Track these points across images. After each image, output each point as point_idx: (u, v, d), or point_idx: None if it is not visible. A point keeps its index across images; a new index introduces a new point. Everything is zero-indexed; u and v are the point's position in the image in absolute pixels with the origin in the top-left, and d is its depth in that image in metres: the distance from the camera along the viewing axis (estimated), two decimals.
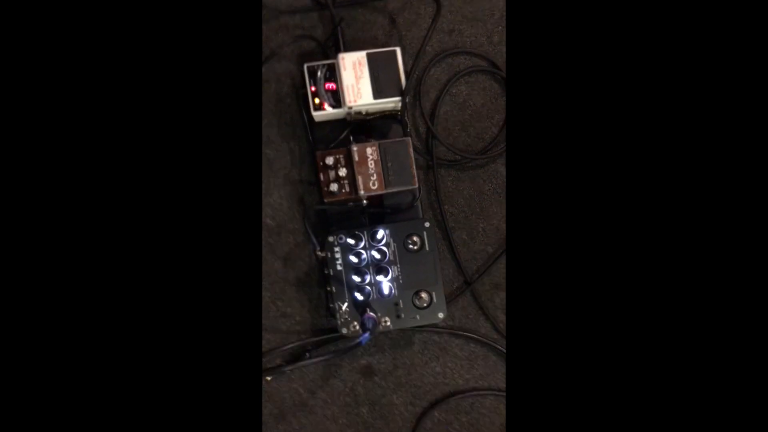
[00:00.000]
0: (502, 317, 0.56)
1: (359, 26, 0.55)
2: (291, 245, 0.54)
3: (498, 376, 0.55)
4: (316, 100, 0.48)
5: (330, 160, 0.47)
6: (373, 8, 0.55)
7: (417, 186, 0.49)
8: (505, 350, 0.55)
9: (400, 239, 0.49)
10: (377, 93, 0.47)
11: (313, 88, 0.48)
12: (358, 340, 0.41)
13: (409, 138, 0.49)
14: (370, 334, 0.42)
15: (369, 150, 0.47)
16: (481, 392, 0.55)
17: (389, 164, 0.47)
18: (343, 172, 0.47)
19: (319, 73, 0.48)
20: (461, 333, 0.55)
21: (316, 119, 0.49)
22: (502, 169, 0.56)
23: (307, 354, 0.53)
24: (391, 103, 0.49)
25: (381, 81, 0.47)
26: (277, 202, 0.54)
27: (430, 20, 0.55)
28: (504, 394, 0.55)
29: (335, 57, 0.49)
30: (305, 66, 0.48)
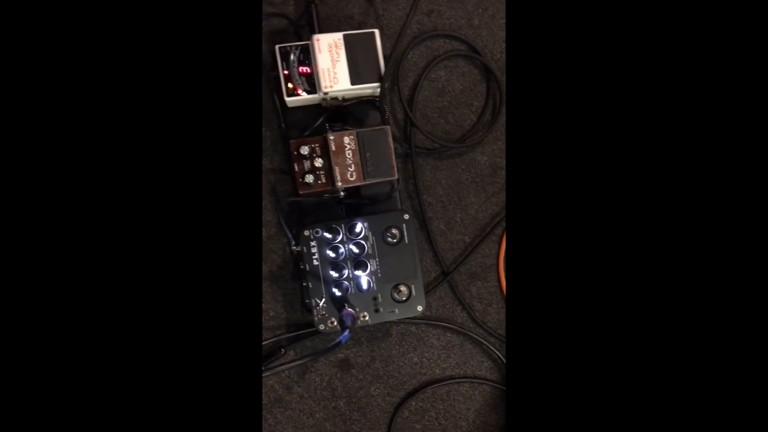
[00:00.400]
0: (478, 306, 0.56)
1: (334, 3, 0.51)
2: (263, 238, 0.51)
3: (473, 364, 0.56)
4: (290, 85, 0.45)
5: (305, 150, 0.44)
6: None
7: (396, 177, 0.47)
8: (480, 339, 0.55)
9: (378, 232, 0.47)
10: (355, 78, 0.44)
11: (285, 72, 0.44)
12: (338, 340, 0.40)
13: (389, 127, 0.46)
14: (350, 332, 0.41)
15: (347, 139, 0.45)
16: (457, 380, 0.55)
17: (368, 154, 0.45)
18: (319, 162, 0.44)
19: (292, 56, 0.44)
20: (438, 323, 0.55)
21: (289, 105, 0.46)
22: (481, 158, 0.55)
23: (283, 350, 0.51)
24: (369, 88, 0.46)
25: (359, 65, 0.44)
26: None
27: (410, 0, 0.52)
28: (479, 380, 0.56)
29: (309, 38, 0.46)
30: (276, 47, 0.45)
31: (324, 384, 0.53)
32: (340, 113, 0.48)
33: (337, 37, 0.44)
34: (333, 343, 0.40)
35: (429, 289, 0.54)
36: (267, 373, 0.47)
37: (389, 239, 0.47)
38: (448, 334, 0.55)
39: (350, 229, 0.46)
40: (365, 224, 0.47)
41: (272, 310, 0.52)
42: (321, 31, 0.47)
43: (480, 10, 0.54)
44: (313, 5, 0.46)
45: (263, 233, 0.51)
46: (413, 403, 0.55)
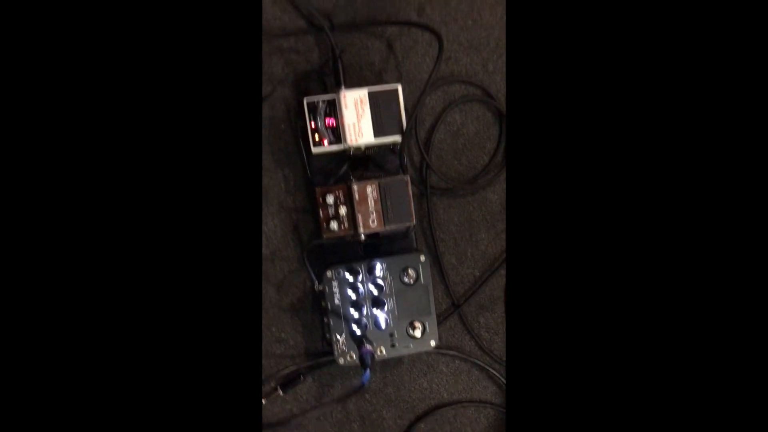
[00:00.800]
0: (485, 335, 0.59)
1: (356, 51, 0.54)
2: (285, 272, 0.54)
3: (479, 389, 0.60)
4: (316, 136, 0.47)
5: (330, 199, 0.47)
6: (371, 33, 0.54)
7: (414, 222, 0.50)
8: (486, 366, 0.59)
9: (396, 272, 0.50)
10: (378, 131, 0.47)
11: (312, 125, 0.47)
12: (361, 382, 0.43)
13: (408, 176, 0.49)
14: (370, 370, 0.44)
15: (369, 188, 0.47)
16: (464, 404, 0.59)
17: (388, 202, 0.48)
18: (343, 210, 0.47)
19: (319, 109, 0.47)
20: (448, 352, 0.58)
21: (315, 153, 0.49)
22: (492, 197, 0.58)
23: (302, 377, 0.55)
24: (391, 139, 0.49)
25: (382, 119, 0.47)
26: (271, 230, 0.54)
27: (428, 46, 0.55)
28: (484, 404, 0.59)
29: (334, 88, 0.48)
30: (305, 101, 0.47)
31: (339, 407, 0.57)
32: (361, 158, 0.51)
33: (363, 93, 0.47)
34: (356, 385, 0.44)
35: (440, 320, 0.57)
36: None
37: (406, 279, 0.50)
38: (457, 362, 0.59)
39: (369, 269, 0.50)
40: (383, 265, 0.50)
41: (292, 339, 0.55)
42: (345, 82, 0.49)
43: (495, 56, 0.57)
44: (339, 60, 0.48)
45: (285, 268, 0.54)
46: (422, 426, 0.59)
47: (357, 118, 0.47)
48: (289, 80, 0.52)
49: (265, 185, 0.53)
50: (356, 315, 0.49)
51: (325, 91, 0.52)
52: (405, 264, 0.50)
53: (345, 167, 0.49)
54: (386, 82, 0.54)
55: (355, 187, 0.47)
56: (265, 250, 0.54)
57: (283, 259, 0.54)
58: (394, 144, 0.50)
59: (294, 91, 0.52)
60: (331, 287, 0.49)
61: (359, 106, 0.47)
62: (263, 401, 0.54)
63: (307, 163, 0.50)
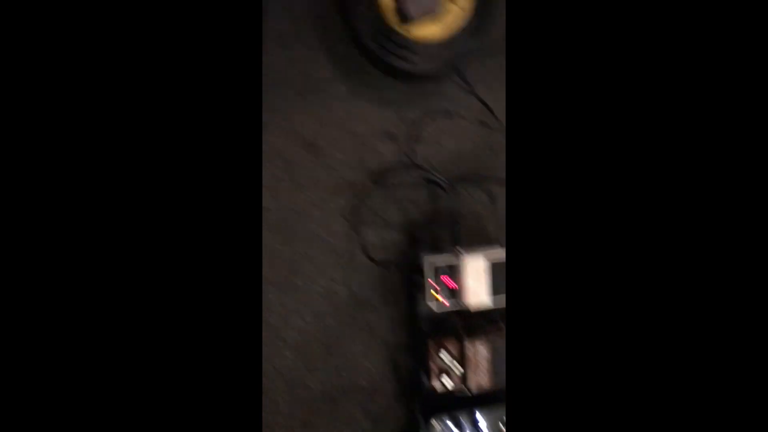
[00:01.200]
0: None
1: (462, 199, 0.57)
2: (382, 406, 0.56)
3: None
4: (433, 293, 0.50)
5: (444, 356, 0.50)
6: (475, 183, 0.58)
7: None
8: None
9: (494, 421, 0.52)
10: (493, 294, 0.50)
11: (432, 282, 0.50)
12: None
13: None
14: None
15: (480, 347, 0.50)
16: None
17: (497, 359, 0.50)
18: (456, 370, 0.50)
19: (439, 270, 0.50)
20: None
21: (433, 308, 0.52)
22: None
23: None
24: (503, 300, 0.52)
25: (497, 283, 0.50)
26: (374, 365, 0.56)
27: None
28: None
29: (450, 247, 0.51)
30: (426, 260, 0.51)
31: None
32: (468, 312, 0.54)
33: (484, 264, 0.50)
34: None
35: None
36: None
37: (503, 428, 0.52)
38: None
39: (472, 420, 0.52)
40: (484, 415, 0.52)
41: None
42: (461, 241, 0.53)
43: None
44: (457, 225, 0.52)
45: (382, 402, 0.56)
46: None
47: (476, 283, 0.50)
48: (398, 224, 0.56)
49: (371, 323, 0.56)
50: None
51: (435, 243, 0.55)
52: (502, 413, 0.52)
53: (457, 322, 0.51)
54: (487, 230, 0.58)
55: (469, 346, 0.50)
56: (365, 384, 0.56)
57: (381, 393, 0.56)
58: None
59: (406, 236, 0.56)
60: None
61: (479, 272, 0.50)
62: None
63: (420, 317, 0.53)
